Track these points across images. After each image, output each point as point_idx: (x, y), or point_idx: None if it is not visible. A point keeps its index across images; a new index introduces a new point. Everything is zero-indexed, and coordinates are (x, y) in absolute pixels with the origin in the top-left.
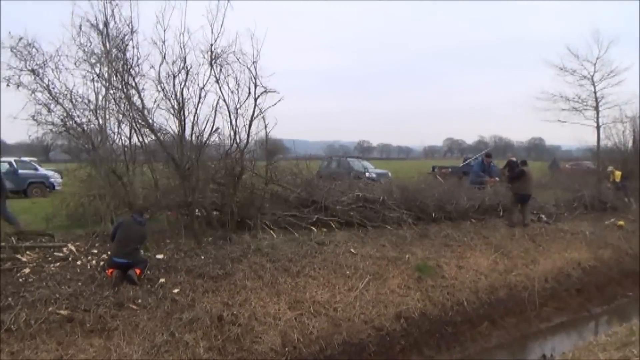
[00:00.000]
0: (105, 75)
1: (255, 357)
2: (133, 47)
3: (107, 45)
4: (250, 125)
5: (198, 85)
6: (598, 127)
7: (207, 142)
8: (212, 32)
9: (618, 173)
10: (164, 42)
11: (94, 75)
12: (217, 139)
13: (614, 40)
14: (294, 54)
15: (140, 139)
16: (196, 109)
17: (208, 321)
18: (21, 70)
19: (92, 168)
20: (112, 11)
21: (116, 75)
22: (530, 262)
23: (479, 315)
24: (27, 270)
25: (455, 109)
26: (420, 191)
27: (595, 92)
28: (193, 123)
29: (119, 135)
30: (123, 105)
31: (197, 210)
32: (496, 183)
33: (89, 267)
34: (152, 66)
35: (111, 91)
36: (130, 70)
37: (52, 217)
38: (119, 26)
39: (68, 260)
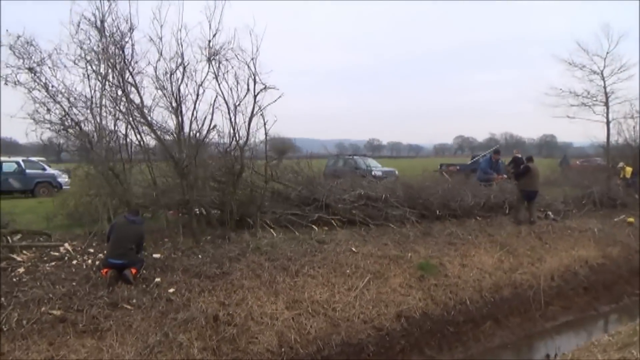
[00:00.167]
0: (103, 72)
1: (251, 357)
2: (131, 44)
3: (105, 42)
4: (249, 123)
5: (196, 82)
6: (608, 123)
7: (205, 139)
8: (210, 29)
9: (629, 169)
10: (160, 38)
11: (92, 73)
12: (215, 137)
13: (624, 35)
14: (304, 52)
15: (139, 137)
16: (194, 106)
17: (203, 321)
18: (19, 68)
19: (90, 167)
20: (109, 8)
21: (114, 73)
22: (537, 260)
23: (482, 314)
24: (21, 270)
25: (467, 107)
26: (424, 189)
27: (605, 87)
28: (191, 120)
29: (116, 134)
30: (122, 103)
31: (196, 209)
32: (503, 180)
33: (84, 266)
34: (150, 63)
35: (109, 88)
36: (129, 67)
37: (52, 216)
38: (117, 23)
39: (64, 260)
